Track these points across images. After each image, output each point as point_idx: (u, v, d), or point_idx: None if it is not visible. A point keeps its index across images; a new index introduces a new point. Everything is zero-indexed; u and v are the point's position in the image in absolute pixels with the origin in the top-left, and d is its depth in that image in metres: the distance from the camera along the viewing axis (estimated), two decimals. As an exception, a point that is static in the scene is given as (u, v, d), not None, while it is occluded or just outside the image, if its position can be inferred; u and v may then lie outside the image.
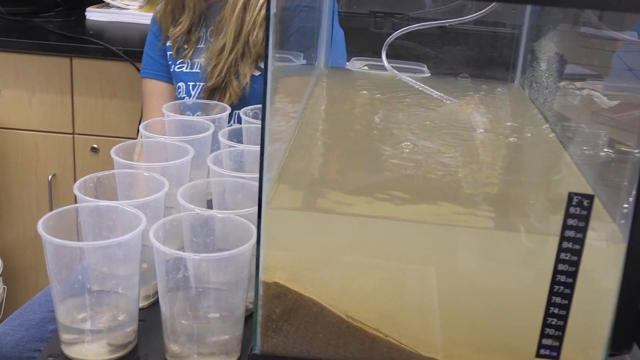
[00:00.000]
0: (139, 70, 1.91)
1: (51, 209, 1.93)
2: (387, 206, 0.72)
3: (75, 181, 0.83)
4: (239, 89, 1.50)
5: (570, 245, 0.66)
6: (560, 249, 0.67)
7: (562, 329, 0.69)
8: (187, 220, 0.78)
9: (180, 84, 1.57)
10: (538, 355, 0.70)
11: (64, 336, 0.76)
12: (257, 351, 0.72)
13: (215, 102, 1.47)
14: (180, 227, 0.81)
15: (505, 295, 0.71)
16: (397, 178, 0.76)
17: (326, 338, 0.71)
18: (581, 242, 0.66)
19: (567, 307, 0.68)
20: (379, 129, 0.90)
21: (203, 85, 1.54)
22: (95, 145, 1.98)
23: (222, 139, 0.99)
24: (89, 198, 0.80)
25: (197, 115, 1.56)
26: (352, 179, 0.75)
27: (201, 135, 1.00)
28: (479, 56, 1.25)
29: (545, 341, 0.69)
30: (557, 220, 0.71)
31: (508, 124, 0.96)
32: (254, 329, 0.72)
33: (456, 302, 0.71)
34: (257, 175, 0.88)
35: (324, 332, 0.71)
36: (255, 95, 1.50)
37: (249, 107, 1.13)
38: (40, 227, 0.73)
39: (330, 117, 0.93)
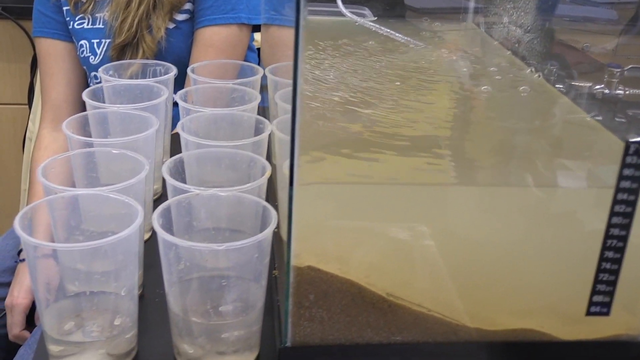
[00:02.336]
0: (23, 29, 1.73)
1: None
2: (426, 171, 0.65)
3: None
4: (153, 44, 1.36)
5: (625, 196, 0.62)
6: (615, 202, 0.62)
7: (613, 284, 0.65)
8: (184, 203, 0.68)
9: (82, 42, 1.42)
10: (588, 312, 0.66)
11: (54, 349, 0.65)
12: (288, 344, 0.64)
13: (129, 60, 1.34)
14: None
15: (548, 256, 0.66)
16: (424, 138, 0.69)
17: (365, 320, 0.65)
18: (636, 192, 0.62)
19: (619, 262, 0.64)
20: (366, 81, 0.83)
21: (110, 42, 1.39)
22: (-22, 115, 1.78)
23: (183, 103, 0.88)
24: (60, 187, 0.68)
25: (110, 76, 1.43)
26: (375, 143, 0.67)
27: (156, 101, 0.88)
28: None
29: (596, 298, 0.66)
30: (598, 171, 0.67)
31: (491, 68, 0.91)
32: (284, 319, 0.64)
33: (499, 268, 0.66)
34: (242, 142, 0.80)
35: (363, 314, 0.64)
36: (172, 49, 1.38)
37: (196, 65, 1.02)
38: (17, 225, 0.61)
39: (311, 71, 0.84)
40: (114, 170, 0.80)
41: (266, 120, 0.84)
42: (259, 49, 1.59)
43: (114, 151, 0.76)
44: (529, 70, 0.90)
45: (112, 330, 0.65)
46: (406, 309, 0.65)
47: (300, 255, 0.62)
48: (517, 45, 0.97)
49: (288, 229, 0.60)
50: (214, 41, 1.38)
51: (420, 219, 0.65)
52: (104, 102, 0.95)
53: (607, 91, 0.87)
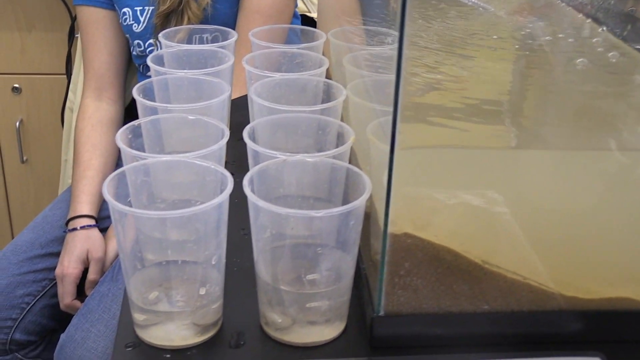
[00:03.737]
0: (60, -3, 1.71)
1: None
2: (518, 138, 0.63)
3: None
4: (198, 11, 1.34)
5: None
6: None
7: None
8: (271, 169, 0.66)
9: (125, 9, 1.39)
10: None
11: (139, 317, 0.64)
12: (381, 312, 0.63)
13: (175, 27, 1.31)
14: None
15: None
16: (513, 103, 0.67)
17: (460, 288, 0.63)
18: None
19: None
20: (442, 45, 0.80)
21: (154, 10, 1.37)
22: (16, 85, 1.76)
23: (249, 68, 0.86)
24: (145, 154, 0.66)
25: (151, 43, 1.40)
26: (462, 110, 0.65)
27: (224, 66, 0.86)
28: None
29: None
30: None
31: (568, 31, 0.88)
32: (378, 288, 0.62)
33: (594, 235, 0.65)
34: (322, 106, 0.78)
35: (458, 282, 0.63)
36: (217, 16, 1.35)
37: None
38: (105, 191, 0.60)
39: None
40: (186, 137, 0.78)
41: (338, 85, 0.82)
42: (302, 15, 1.57)
43: (190, 117, 0.74)
44: (606, 33, 0.87)
45: (201, 300, 0.63)
46: (502, 276, 0.63)
47: (397, 222, 0.60)
48: (588, 6, 0.94)
49: (387, 195, 0.58)
50: (261, 7, 1.35)
51: (515, 186, 0.63)
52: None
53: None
